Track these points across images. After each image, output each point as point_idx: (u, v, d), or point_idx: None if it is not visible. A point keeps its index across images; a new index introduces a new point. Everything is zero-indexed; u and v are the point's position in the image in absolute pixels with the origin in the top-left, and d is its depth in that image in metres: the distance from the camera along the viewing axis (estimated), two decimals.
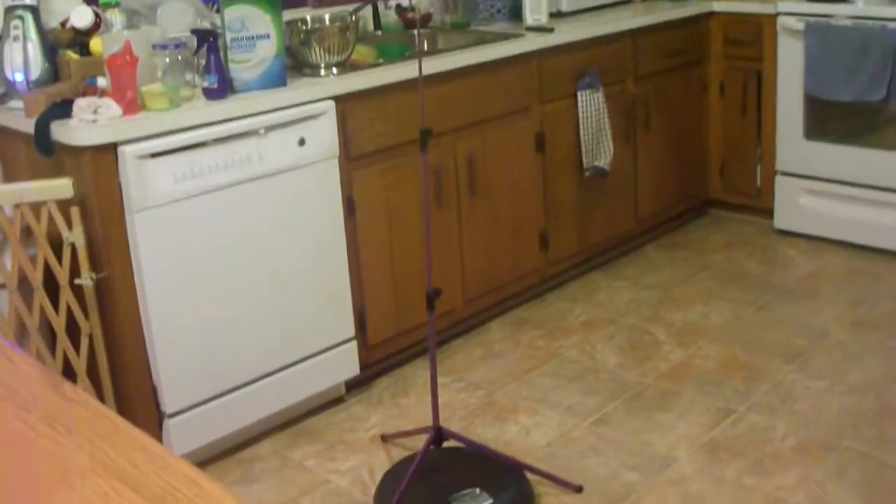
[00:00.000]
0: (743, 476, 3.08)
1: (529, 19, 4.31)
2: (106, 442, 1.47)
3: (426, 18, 4.39)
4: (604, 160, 4.43)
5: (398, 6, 4.32)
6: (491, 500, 2.89)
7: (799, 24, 4.68)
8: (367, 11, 4.17)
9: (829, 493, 2.97)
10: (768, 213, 5.09)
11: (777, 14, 4.79)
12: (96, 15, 3.13)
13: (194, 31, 3.17)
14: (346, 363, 3.58)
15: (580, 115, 4.33)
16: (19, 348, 1.81)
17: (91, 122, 2.85)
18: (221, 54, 3.14)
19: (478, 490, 2.93)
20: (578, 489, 3.02)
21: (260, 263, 3.23)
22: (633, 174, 4.73)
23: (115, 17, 3.17)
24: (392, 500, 2.92)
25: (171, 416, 3.11)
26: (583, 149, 4.37)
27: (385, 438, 3.36)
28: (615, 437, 3.33)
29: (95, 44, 3.13)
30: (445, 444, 3.11)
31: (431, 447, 3.04)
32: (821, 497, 2.95)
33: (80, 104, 2.87)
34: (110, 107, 2.88)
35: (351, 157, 3.48)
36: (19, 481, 1.38)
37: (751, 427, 3.35)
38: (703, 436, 3.31)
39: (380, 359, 3.78)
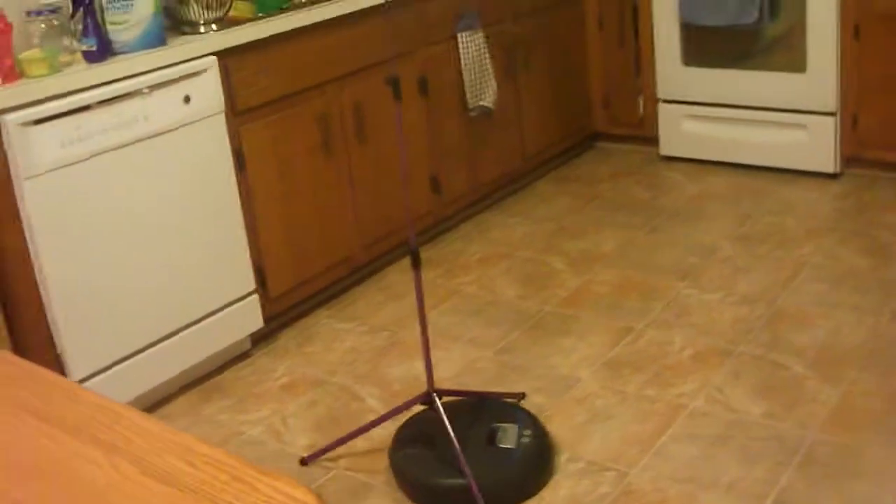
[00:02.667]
0: (645, 388, 3.19)
1: None
2: (16, 384, 1.50)
3: None
4: (488, 99, 4.49)
5: None
6: (517, 426, 2.90)
7: None
8: None
9: (727, 396, 3.10)
10: (653, 141, 5.23)
11: None
12: None
13: None
14: (249, 317, 3.61)
15: (462, 56, 4.38)
16: None
17: None
18: (98, 17, 3.12)
19: (499, 425, 2.91)
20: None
21: (154, 223, 3.23)
22: (517, 112, 4.81)
23: None
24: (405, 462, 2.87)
25: (79, 382, 3.11)
26: (466, 89, 4.43)
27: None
28: (519, 363, 3.42)
29: None
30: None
31: (425, 408, 2.94)
32: (720, 399, 3.08)
33: None
34: None
35: (237, 112, 3.49)
36: None
37: (649, 342, 3.47)
38: (605, 354, 3.42)
39: (282, 310, 3.81)
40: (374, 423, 3.00)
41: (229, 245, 3.50)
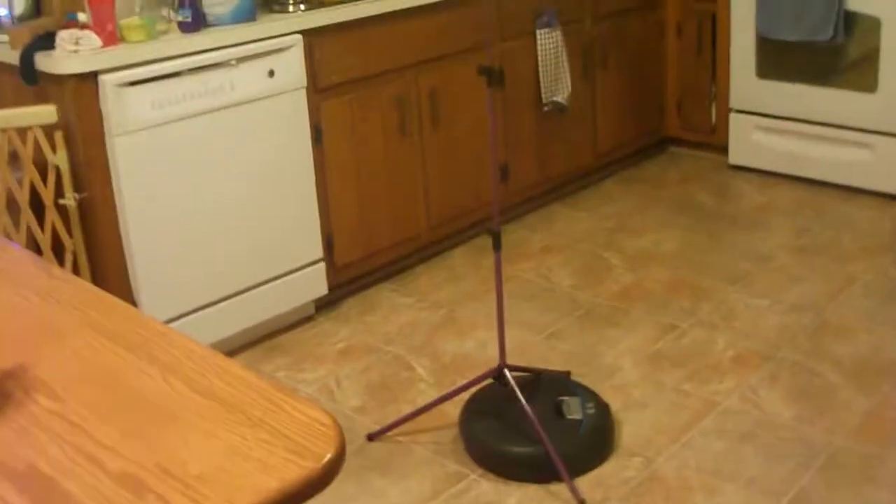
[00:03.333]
0: (682, 383, 3.32)
1: None
2: (91, 308, 1.70)
3: None
4: (562, 96, 4.63)
5: None
6: (580, 399, 3.09)
7: None
8: None
9: (761, 397, 3.22)
10: (723, 149, 5.32)
11: None
12: None
13: None
14: (315, 283, 3.80)
15: (539, 52, 4.53)
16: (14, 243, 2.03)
17: (73, 53, 3.04)
18: None
19: (563, 398, 3.09)
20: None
21: (233, 187, 3.44)
22: (591, 110, 4.94)
23: None
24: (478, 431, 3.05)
25: None
26: (542, 84, 4.58)
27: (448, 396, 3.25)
28: (566, 348, 3.57)
29: None
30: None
31: (493, 381, 3.11)
32: (753, 400, 3.20)
33: (63, 36, 3.06)
34: (91, 38, 3.07)
35: (318, 89, 3.68)
36: (18, 339, 1.60)
37: (693, 341, 3.59)
38: (648, 348, 3.55)
39: (347, 280, 4.00)
40: (443, 398, 3.15)
41: (301, 213, 3.69)
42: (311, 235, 3.76)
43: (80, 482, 1.22)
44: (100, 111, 3.10)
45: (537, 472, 2.90)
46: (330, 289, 3.89)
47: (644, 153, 5.47)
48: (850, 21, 4.62)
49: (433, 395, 3.29)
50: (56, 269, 1.92)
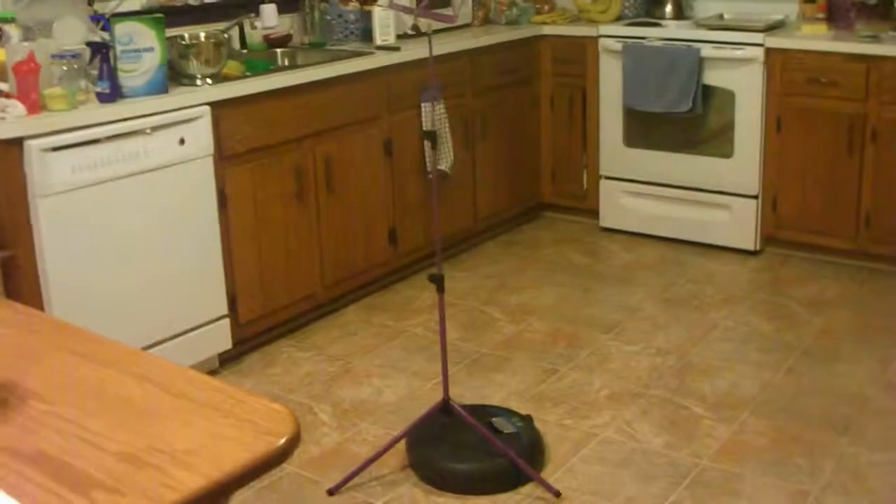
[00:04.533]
0: (563, 419, 3.66)
1: (379, 39, 4.85)
2: (60, 335, 1.96)
3: (286, 38, 4.90)
4: (445, 164, 4.99)
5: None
6: (504, 417, 3.47)
7: (617, 46, 5.35)
8: (235, 31, 4.66)
9: (635, 430, 3.57)
10: (594, 213, 5.75)
11: (598, 37, 5.46)
12: None
13: (89, 44, 3.62)
14: (220, 338, 4.05)
15: (423, 123, 4.89)
16: None
17: (0, 120, 3.28)
18: (112, 63, 3.60)
19: (491, 419, 3.44)
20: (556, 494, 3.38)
21: (145, 246, 3.69)
22: (472, 177, 5.31)
23: (12, 31, 3.62)
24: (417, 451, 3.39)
25: None
26: (426, 153, 4.93)
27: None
28: (455, 393, 3.87)
29: None
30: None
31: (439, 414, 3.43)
32: (628, 432, 3.55)
33: None
34: (17, 107, 3.32)
35: (224, 156, 3.96)
36: (1, 362, 1.85)
37: (571, 383, 3.94)
38: (531, 390, 3.89)
39: (250, 336, 4.25)
40: (395, 441, 3.40)
41: (208, 272, 3.95)
42: (217, 293, 4.01)
43: (85, 460, 1.48)
44: (24, 174, 3.33)
45: (496, 482, 3.27)
46: (234, 344, 4.13)
47: (521, 217, 5.85)
48: (707, 94, 5.10)
49: (336, 437, 3.57)
50: (19, 306, 2.17)
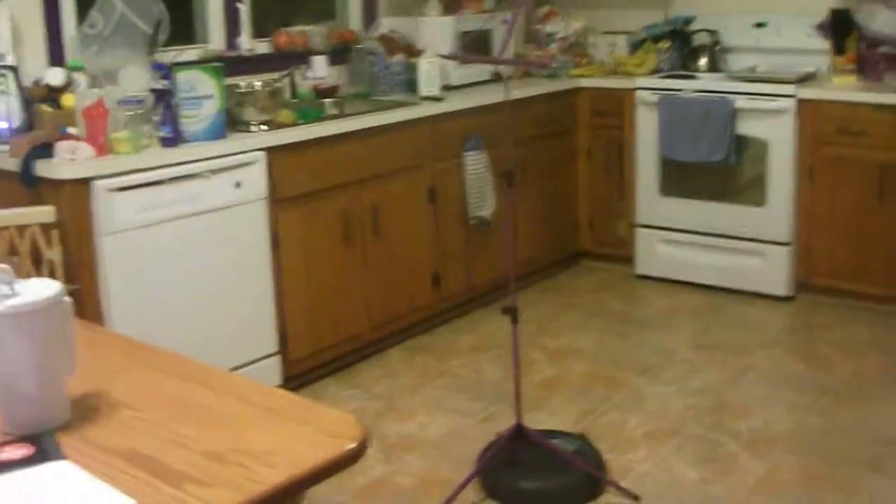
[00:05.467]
0: (603, 454, 3.77)
1: (424, 90, 5.05)
2: (137, 353, 2.13)
3: (334, 89, 5.09)
4: (487, 211, 5.16)
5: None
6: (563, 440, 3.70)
7: (653, 98, 5.52)
8: (285, 81, 4.87)
9: (670, 464, 3.69)
10: (630, 261, 5.88)
11: (635, 89, 5.63)
12: (69, 76, 3.77)
13: (153, 91, 3.82)
14: (271, 374, 4.21)
15: (467, 172, 5.06)
16: None
17: (70, 161, 3.48)
18: (174, 110, 3.80)
19: (554, 440, 3.65)
20: (635, 498, 3.53)
21: (202, 284, 3.86)
22: (512, 225, 5.46)
23: (80, 78, 3.84)
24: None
25: None
26: (469, 201, 5.10)
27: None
28: (498, 428, 4.01)
29: (67, 99, 3.77)
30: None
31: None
32: (664, 466, 3.67)
33: (62, 146, 3.50)
34: (86, 149, 3.52)
35: (277, 200, 4.15)
36: (87, 376, 2.01)
37: (610, 421, 4.06)
38: (571, 427, 4.01)
39: (299, 373, 4.41)
40: (476, 472, 3.57)
41: (260, 311, 4.12)
42: (268, 331, 4.18)
43: (175, 458, 1.64)
44: (91, 212, 3.52)
45: (572, 497, 3.50)
46: (283, 381, 4.29)
47: (559, 264, 6.00)
48: (741, 144, 5.25)
49: (382, 469, 3.71)
50: (98, 327, 2.34)
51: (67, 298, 1.79)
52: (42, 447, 1.68)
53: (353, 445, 1.68)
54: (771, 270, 5.33)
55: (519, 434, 3.57)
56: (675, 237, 5.66)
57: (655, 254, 5.75)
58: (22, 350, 1.72)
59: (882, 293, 5.05)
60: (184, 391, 1.92)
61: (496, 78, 5.57)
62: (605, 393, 4.34)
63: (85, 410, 1.82)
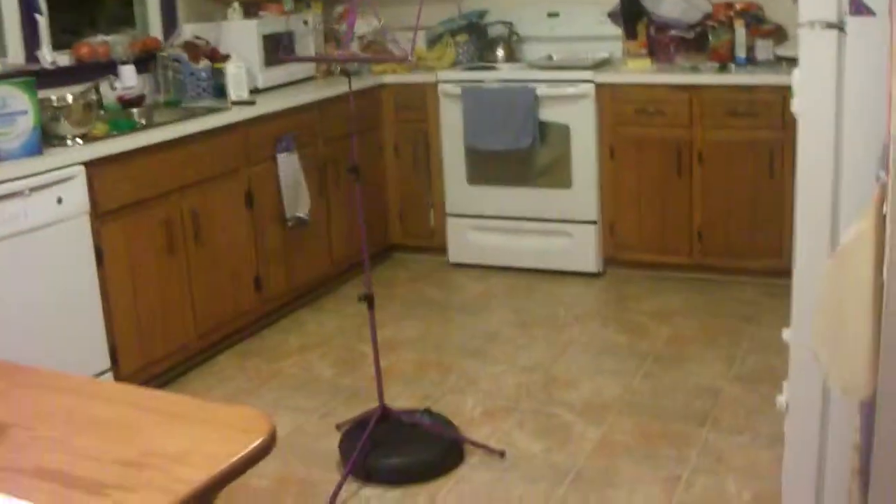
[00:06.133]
0: None
1: (233, 95, 5.04)
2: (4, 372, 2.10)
3: (140, 98, 5.02)
4: (303, 211, 5.20)
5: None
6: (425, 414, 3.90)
7: (456, 90, 5.67)
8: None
9: (514, 438, 3.84)
10: (443, 250, 6.03)
11: (437, 82, 5.77)
12: None
13: None
14: None
15: (280, 173, 5.09)
16: None
17: None
18: None
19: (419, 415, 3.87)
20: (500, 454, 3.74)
21: (27, 304, 3.77)
22: (326, 223, 5.53)
23: None
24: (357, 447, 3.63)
25: None
26: (285, 202, 5.13)
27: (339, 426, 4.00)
28: (338, 422, 4.07)
29: None
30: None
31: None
32: (508, 441, 3.81)
33: None
34: None
35: (99, 214, 4.08)
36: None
37: (448, 403, 4.18)
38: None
39: None
40: (353, 460, 3.62)
41: (89, 327, 4.04)
42: (99, 347, 4.10)
43: (87, 470, 1.64)
44: None
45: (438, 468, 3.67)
46: None
47: (374, 259, 6.08)
48: (544, 129, 5.46)
49: None
50: None
51: None
52: None
53: (264, 437, 1.72)
54: (580, 249, 5.57)
55: (384, 415, 3.71)
56: (485, 224, 5.83)
57: (467, 242, 5.91)
58: None
59: (687, 262, 5.36)
60: (72, 405, 1.91)
61: (302, 79, 5.61)
62: (439, 378, 4.46)
63: None
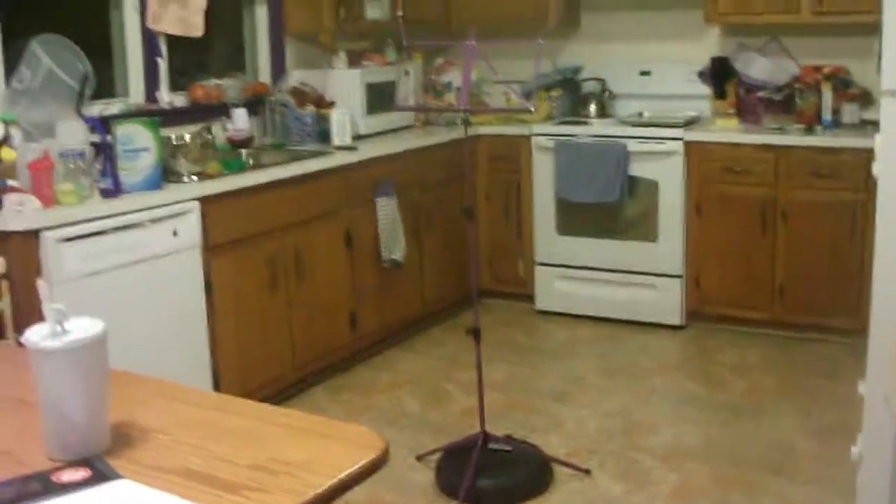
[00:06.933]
0: None
1: (337, 140, 5.29)
2: (152, 387, 2.32)
3: (249, 140, 5.30)
4: (399, 253, 5.42)
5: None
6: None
7: (549, 143, 5.87)
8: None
9: (595, 479, 3.98)
10: (531, 297, 6.20)
11: (531, 135, 5.97)
12: (5, 129, 3.91)
13: (93, 144, 3.98)
14: None
15: (378, 217, 5.31)
16: None
17: (18, 213, 3.62)
18: (113, 162, 3.96)
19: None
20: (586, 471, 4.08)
21: (142, 329, 4.01)
22: (420, 267, 5.74)
23: (13, 132, 3.98)
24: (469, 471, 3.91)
25: None
26: (382, 245, 5.35)
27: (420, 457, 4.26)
28: (431, 459, 4.25)
29: (5, 153, 3.89)
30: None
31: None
32: (590, 482, 3.96)
33: (11, 198, 3.64)
34: (32, 200, 3.67)
35: (209, 247, 4.33)
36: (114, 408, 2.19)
37: (533, 443, 4.33)
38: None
39: None
40: (471, 476, 3.91)
41: (195, 353, 4.29)
42: (204, 373, 4.35)
43: (224, 472, 1.83)
44: (40, 262, 3.66)
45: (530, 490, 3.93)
46: None
47: (461, 304, 6.27)
48: (633, 184, 5.63)
49: None
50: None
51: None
52: (97, 469, 1.86)
53: (378, 453, 1.92)
54: (664, 301, 5.71)
55: (486, 440, 4.00)
56: (572, 273, 5.99)
57: (555, 290, 6.08)
58: (75, 381, 1.91)
59: (768, 318, 5.47)
60: (208, 417, 2.12)
61: (401, 128, 5.86)
62: (524, 418, 4.62)
63: (121, 437, 1.99)
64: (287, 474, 1.81)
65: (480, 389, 4.06)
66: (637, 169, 5.62)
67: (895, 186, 2.60)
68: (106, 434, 1.97)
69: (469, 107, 5.06)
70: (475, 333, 4.09)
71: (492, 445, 4.04)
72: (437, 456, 4.18)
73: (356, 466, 1.86)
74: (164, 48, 4.99)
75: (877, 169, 2.68)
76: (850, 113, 5.48)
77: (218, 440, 1.98)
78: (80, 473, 1.85)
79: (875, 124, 2.87)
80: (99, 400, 1.96)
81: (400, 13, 4.88)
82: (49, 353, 1.89)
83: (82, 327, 1.94)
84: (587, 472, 4.00)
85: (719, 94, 5.76)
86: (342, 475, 1.82)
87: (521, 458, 4.04)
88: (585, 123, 5.99)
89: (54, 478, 1.81)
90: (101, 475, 1.84)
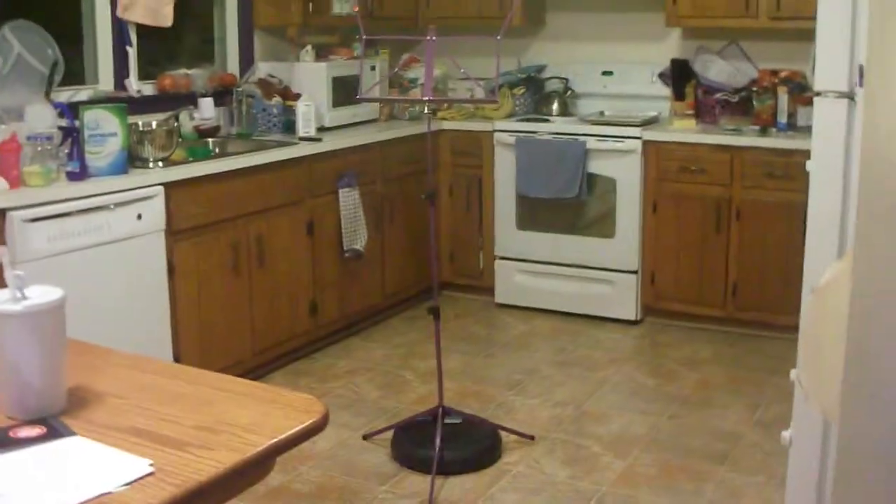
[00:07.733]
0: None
1: (302, 131, 5.40)
2: (109, 357, 2.42)
3: (216, 129, 5.40)
4: (360, 244, 5.53)
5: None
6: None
7: (511, 139, 5.99)
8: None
9: (542, 464, 4.11)
10: (490, 290, 6.33)
11: (494, 131, 6.10)
12: None
13: (61, 128, 4.08)
14: None
15: (341, 207, 5.42)
16: None
17: None
18: (80, 146, 4.06)
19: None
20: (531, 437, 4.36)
21: (104, 309, 4.11)
22: (381, 257, 5.85)
23: None
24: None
25: None
26: (343, 234, 5.46)
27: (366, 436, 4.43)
28: (379, 439, 4.36)
29: None
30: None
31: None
32: (536, 467, 4.09)
33: None
34: (0, 182, 3.76)
35: (172, 231, 4.43)
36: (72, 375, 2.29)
37: None
38: None
39: None
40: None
41: (157, 334, 4.38)
42: (164, 353, 4.44)
43: (172, 430, 1.95)
44: (5, 241, 3.75)
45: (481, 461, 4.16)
46: None
47: (422, 296, 6.38)
48: (591, 181, 5.77)
49: (281, 478, 4.02)
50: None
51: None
52: (52, 427, 1.97)
53: (318, 418, 2.03)
54: (620, 296, 5.85)
55: (443, 413, 4.19)
56: (531, 268, 6.12)
57: (513, 284, 6.20)
58: (33, 344, 2.01)
59: (721, 315, 5.62)
60: (160, 382, 2.23)
61: (366, 121, 5.97)
62: (478, 405, 4.74)
63: (77, 400, 2.10)
64: (230, 433, 1.92)
65: (439, 364, 4.26)
66: (596, 166, 5.76)
67: (825, 180, 2.73)
68: (63, 395, 2.08)
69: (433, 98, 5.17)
70: (435, 312, 4.24)
71: (448, 420, 4.23)
72: (388, 435, 4.31)
73: (295, 429, 1.96)
74: (133, 37, 5.08)
75: (809, 165, 2.81)
76: (805, 116, 5.61)
77: (168, 403, 2.09)
78: (36, 430, 1.95)
79: None
80: (56, 363, 2.06)
81: (356, 8, 4.99)
82: (9, 316, 1.99)
83: (41, 293, 2.04)
84: (531, 438, 4.30)
85: (679, 95, 5.90)
86: (282, 436, 1.93)
87: (473, 430, 4.28)
88: (547, 121, 6.12)
89: (11, 433, 1.91)
90: (55, 432, 1.95)
